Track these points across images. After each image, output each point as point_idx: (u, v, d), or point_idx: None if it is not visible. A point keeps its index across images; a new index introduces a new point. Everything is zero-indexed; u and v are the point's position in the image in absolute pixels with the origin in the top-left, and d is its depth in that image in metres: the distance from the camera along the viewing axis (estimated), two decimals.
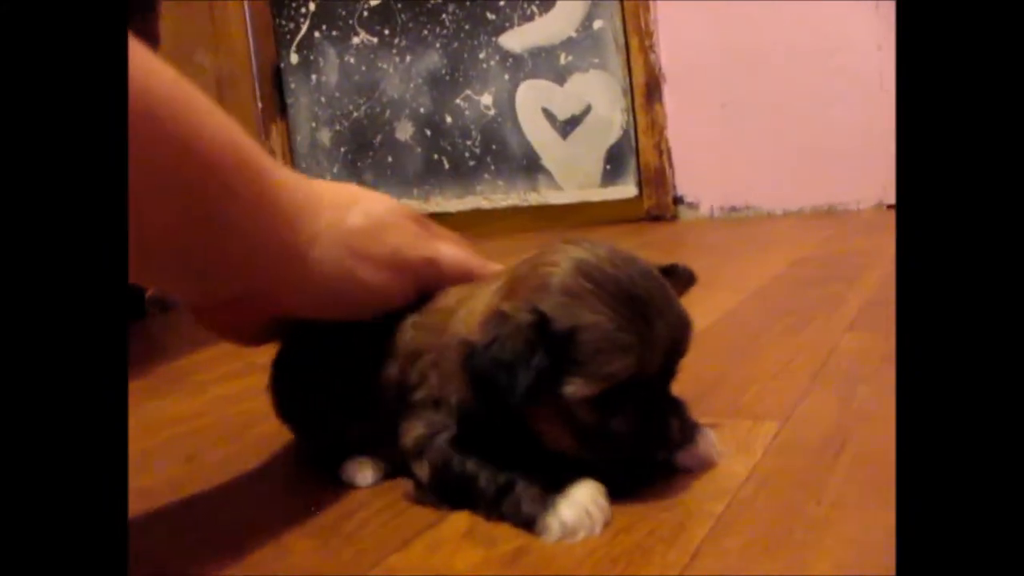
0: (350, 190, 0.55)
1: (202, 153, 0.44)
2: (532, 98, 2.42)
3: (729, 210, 2.17)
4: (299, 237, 0.50)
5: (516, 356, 0.46)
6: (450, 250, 0.57)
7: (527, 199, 2.47)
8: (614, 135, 2.32)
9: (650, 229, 2.15)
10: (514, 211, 2.48)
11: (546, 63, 2.38)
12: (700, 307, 1.03)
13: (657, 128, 2.23)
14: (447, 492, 0.51)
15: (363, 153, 2.67)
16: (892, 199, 1.96)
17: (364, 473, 0.58)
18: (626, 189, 2.33)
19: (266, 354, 0.65)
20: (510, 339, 0.46)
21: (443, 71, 2.53)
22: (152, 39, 1.62)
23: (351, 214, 0.52)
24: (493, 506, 0.49)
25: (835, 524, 0.46)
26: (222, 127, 0.46)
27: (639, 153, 2.28)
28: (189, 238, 0.46)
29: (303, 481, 0.61)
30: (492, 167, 2.51)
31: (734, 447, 0.57)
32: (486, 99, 2.48)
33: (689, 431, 0.54)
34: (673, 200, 2.24)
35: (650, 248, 1.79)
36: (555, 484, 0.48)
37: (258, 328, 0.57)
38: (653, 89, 2.22)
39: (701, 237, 1.90)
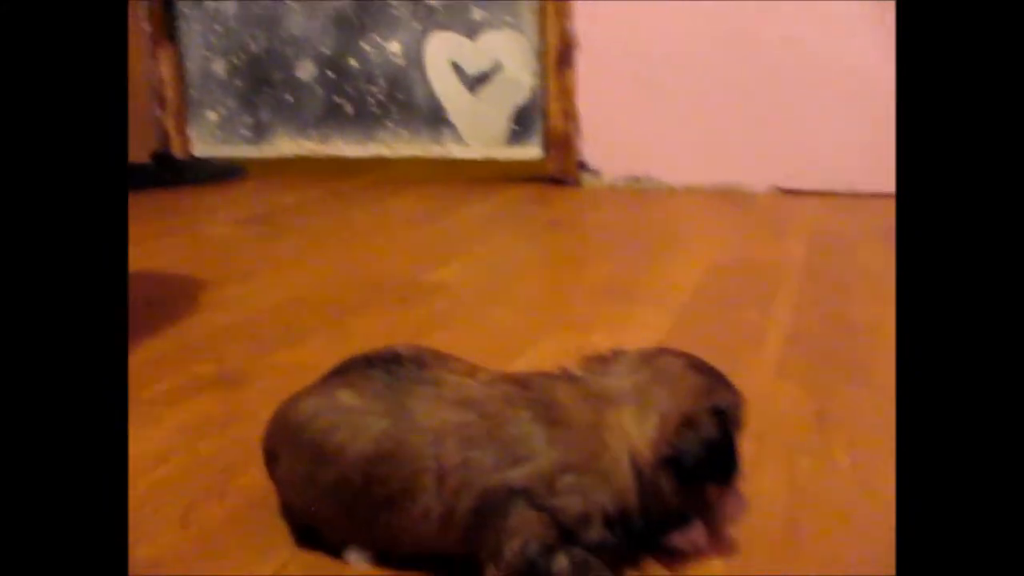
0: None
1: None
2: (441, 50, 2.39)
3: (631, 180, 2.25)
4: None
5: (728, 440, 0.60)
6: None
7: (430, 151, 2.47)
8: (523, 96, 2.34)
9: (553, 193, 2.20)
10: (417, 162, 2.48)
11: (459, 16, 2.36)
12: (632, 331, 1.11)
13: (567, 94, 2.26)
14: None
15: (260, 90, 2.57)
16: (787, 184, 2.09)
17: (363, 557, 0.63)
18: (531, 150, 2.37)
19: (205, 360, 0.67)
20: (715, 430, 0.60)
21: (350, 12, 2.45)
22: None
23: None
24: None
25: None
26: None
27: (547, 116, 2.31)
28: None
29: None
30: (396, 116, 2.48)
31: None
32: (393, 46, 2.44)
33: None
34: (577, 165, 2.30)
35: (557, 234, 1.84)
36: None
37: None
38: (566, 55, 2.24)
39: (607, 217, 1.96)
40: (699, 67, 2.12)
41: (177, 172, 2.49)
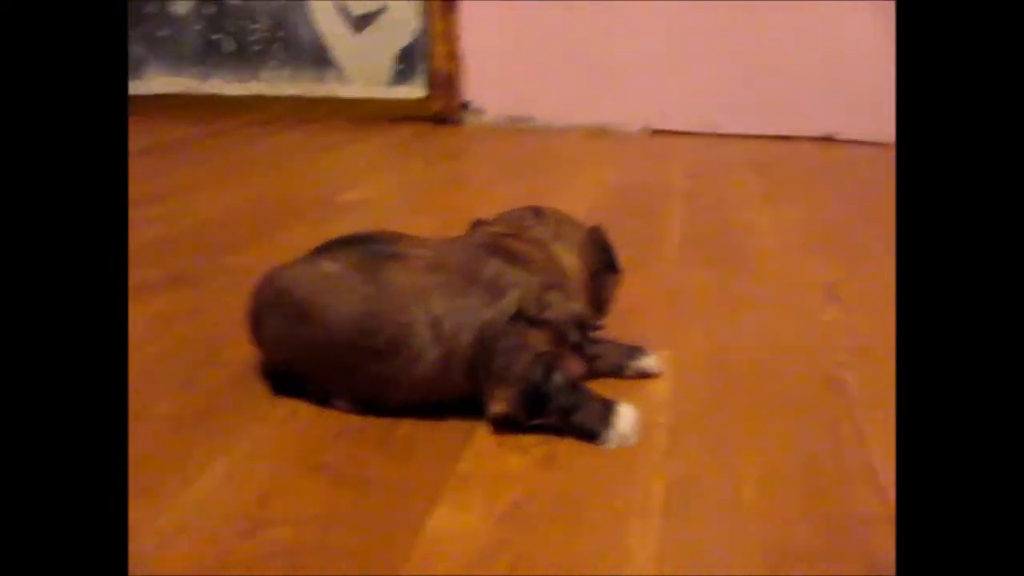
0: None
1: None
2: None
3: (512, 120, 2.37)
4: None
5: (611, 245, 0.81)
6: None
7: (313, 90, 2.50)
8: (408, 36, 2.41)
9: (437, 131, 2.29)
10: (299, 100, 2.49)
11: None
12: None
13: (452, 36, 2.35)
14: (532, 408, 0.66)
15: (133, 23, 2.51)
16: (656, 125, 2.27)
17: (349, 406, 0.72)
18: (414, 90, 2.44)
19: (149, 266, 0.75)
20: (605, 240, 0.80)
21: None
22: None
23: None
24: (564, 418, 0.66)
25: (758, 429, 0.69)
26: None
27: (431, 57, 2.39)
28: None
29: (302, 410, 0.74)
30: (279, 54, 2.49)
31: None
32: None
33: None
34: (460, 105, 2.40)
35: (454, 162, 1.95)
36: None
37: None
38: None
39: (497, 150, 2.08)
40: (581, 19, 2.26)
41: None
